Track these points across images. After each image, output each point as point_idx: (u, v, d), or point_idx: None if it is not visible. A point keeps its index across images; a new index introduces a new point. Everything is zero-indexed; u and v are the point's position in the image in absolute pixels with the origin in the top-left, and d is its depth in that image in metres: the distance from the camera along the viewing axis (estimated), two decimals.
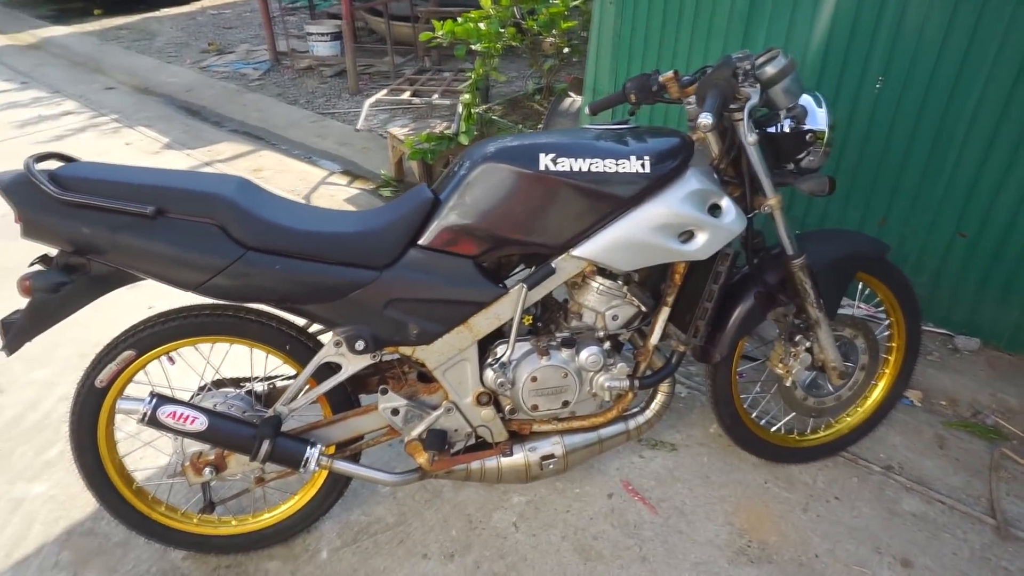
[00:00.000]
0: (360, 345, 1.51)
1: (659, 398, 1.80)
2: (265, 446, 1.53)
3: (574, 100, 3.70)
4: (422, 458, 1.66)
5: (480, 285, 1.52)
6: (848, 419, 2.12)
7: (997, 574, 1.76)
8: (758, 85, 1.50)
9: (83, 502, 1.92)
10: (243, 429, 1.54)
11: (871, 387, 2.10)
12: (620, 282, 1.63)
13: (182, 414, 1.49)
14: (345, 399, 1.69)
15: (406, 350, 1.57)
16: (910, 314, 2.01)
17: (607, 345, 1.67)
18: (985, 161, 2.26)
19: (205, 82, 6.10)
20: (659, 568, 1.77)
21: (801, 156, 1.62)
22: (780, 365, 1.89)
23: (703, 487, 2.00)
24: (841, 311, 1.92)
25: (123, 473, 1.67)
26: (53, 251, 1.42)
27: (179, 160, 4.41)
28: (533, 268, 1.58)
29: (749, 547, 1.82)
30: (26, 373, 2.44)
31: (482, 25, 3.61)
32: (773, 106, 1.59)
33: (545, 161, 1.45)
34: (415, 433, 1.66)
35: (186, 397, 1.61)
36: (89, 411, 1.56)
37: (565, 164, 1.46)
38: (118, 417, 1.60)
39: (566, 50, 3.77)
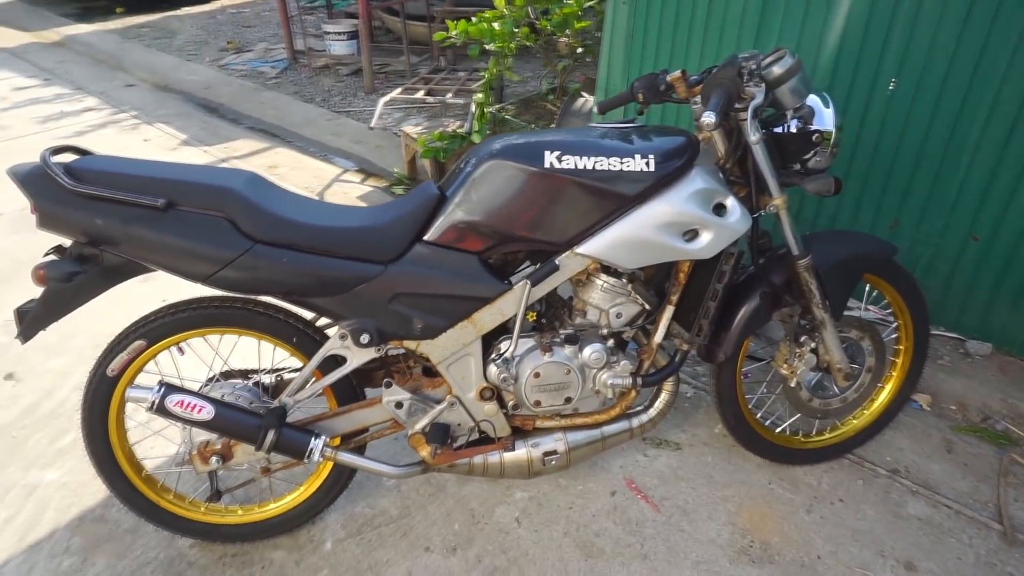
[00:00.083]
0: (365, 338, 1.53)
1: (663, 397, 1.81)
2: (270, 436, 1.55)
3: (587, 100, 3.70)
4: (425, 451, 1.68)
5: (484, 281, 1.54)
6: (854, 421, 2.10)
7: None
8: (763, 85, 1.50)
9: (94, 489, 1.96)
10: (248, 419, 1.56)
11: (878, 390, 2.08)
12: (624, 280, 1.64)
13: (189, 403, 1.52)
14: (350, 392, 1.71)
15: (411, 344, 1.59)
16: (918, 317, 2.00)
17: (611, 343, 1.67)
18: (999, 164, 2.24)
19: (223, 80, 6.17)
20: (660, 566, 1.77)
21: (808, 157, 1.62)
22: (785, 365, 1.89)
23: (706, 487, 2.00)
24: (848, 313, 1.91)
25: (133, 461, 1.71)
26: (67, 242, 1.45)
27: (196, 156, 4.48)
28: (538, 265, 1.59)
29: (751, 547, 1.82)
30: (42, 362, 2.49)
31: (496, 25, 3.63)
32: (780, 106, 1.59)
33: (550, 159, 1.46)
34: (418, 426, 1.67)
35: (195, 387, 1.64)
36: (100, 399, 1.59)
37: (570, 162, 1.47)
38: (128, 406, 1.63)
39: (580, 50, 3.77)
